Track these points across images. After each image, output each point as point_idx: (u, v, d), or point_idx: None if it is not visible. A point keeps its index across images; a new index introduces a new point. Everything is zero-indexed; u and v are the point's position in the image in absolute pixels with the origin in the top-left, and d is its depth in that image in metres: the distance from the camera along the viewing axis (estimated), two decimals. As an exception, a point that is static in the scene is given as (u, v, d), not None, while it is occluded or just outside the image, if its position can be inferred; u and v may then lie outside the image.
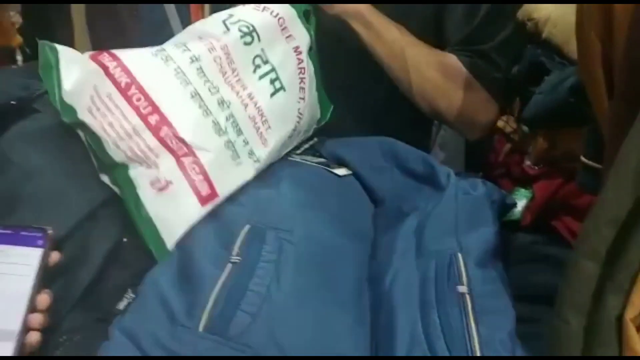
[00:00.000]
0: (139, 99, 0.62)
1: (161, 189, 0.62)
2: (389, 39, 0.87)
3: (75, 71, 0.64)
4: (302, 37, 0.77)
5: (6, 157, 0.62)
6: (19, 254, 0.50)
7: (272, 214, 0.67)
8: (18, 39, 1.18)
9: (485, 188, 0.77)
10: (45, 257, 0.51)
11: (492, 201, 0.76)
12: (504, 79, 0.93)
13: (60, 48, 0.66)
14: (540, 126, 0.89)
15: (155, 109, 0.62)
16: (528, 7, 1.16)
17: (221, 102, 0.66)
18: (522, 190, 0.92)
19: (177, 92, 0.63)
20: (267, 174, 0.75)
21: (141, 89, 0.62)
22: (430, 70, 0.88)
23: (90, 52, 0.65)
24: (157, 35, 2.22)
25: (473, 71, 0.90)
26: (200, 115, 0.64)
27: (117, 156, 0.62)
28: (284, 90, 0.74)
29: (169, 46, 0.66)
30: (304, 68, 0.76)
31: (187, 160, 0.63)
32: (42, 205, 0.59)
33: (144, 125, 0.62)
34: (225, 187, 0.65)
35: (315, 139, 0.95)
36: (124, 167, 0.63)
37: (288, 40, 0.75)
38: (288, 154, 0.89)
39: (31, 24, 1.42)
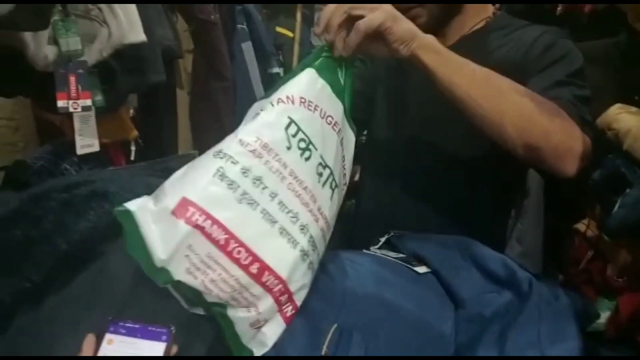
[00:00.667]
0: (239, 252, 0.61)
1: (259, 327, 0.66)
2: (469, 68, 0.80)
3: (164, 235, 0.62)
4: (347, 129, 0.77)
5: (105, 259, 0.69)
6: (147, 346, 0.58)
7: (358, 314, 0.71)
8: (134, 133, 1.34)
9: (567, 298, 0.77)
10: (168, 350, 0.58)
11: (575, 312, 0.75)
12: (589, 122, 0.88)
13: (134, 208, 0.66)
14: (624, 239, 0.89)
15: (255, 258, 0.62)
16: (608, 117, 1.19)
17: (302, 228, 0.67)
18: (606, 301, 0.91)
19: (269, 234, 0.64)
20: (349, 266, 0.78)
21: (240, 242, 0.61)
22: (521, 97, 0.80)
23: (175, 207, 0.62)
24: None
25: (563, 106, 0.83)
26: (290, 248, 0.65)
27: (216, 301, 0.64)
28: (337, 187, 0.73)
29: (246, 184, 0.64)
30: (344, 156, 0.77)
31: (283, 298, 0.65)
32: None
33: (247, 276, 0.62)
34: (302, 296, 0.69)
35: (392, 232, 0.98)
36: (221, 306, 0.65)
37: (338, 133, 0.74)
38: (367, 247, 0.91)
39: (145, 116, 1.61)
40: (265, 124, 0.67)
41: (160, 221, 0.62)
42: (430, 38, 0.79)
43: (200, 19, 1.82)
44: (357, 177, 1.18)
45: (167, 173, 1.03)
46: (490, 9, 1.05)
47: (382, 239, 0.98)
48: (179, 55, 1.66)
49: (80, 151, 1.13)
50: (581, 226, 1.15)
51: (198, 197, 0.62)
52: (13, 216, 0.72)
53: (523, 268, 0.82)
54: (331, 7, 0.74)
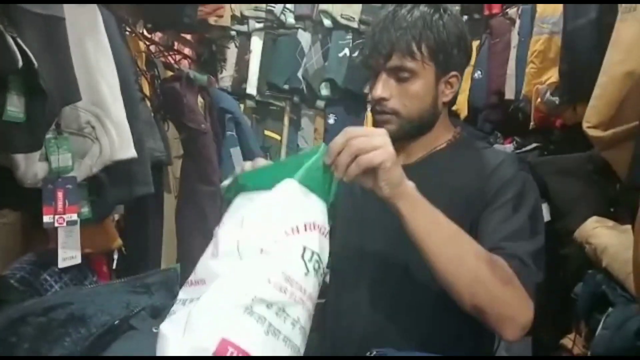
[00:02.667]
0: None
1: None
2: (439, 225, 0.84)
3: None
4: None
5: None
6: None
7: None
8: (118, 242, 1.34)
9: None
10: None
11: None
12: (537, 285, 0.91)
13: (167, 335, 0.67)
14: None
15: None
16: (585, 231, 1.23)
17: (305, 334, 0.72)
18: None
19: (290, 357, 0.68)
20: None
21: None
22: (479, 262, 0.85)
23: (217, 350, 0.64)
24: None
25: (516, 270, 0.87)
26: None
27: None
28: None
29: (272, 316, 0.67)
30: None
31: None
32: None
33: None
34: None
35: (374, 351, 0.95)
36: None
37: (327, 235, 0.78)
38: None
39: (131, 220, 1.61)
40: (286, 259, 0.71)
41: (193, 353, 0.65)
42: (411, 187, 0.83)
43: (190, 128, 1.88)
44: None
45: (147, 289, 1.02)
46: (452, 130, 1.08)
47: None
48: (169, 164, 1.70)
49: (62, 264, 1.12)
50: (567, 342, 1.14)
51: (235, 336, 0.65)
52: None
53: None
54: (340, 142, 0.78)
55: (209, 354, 0.63)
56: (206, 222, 1.92)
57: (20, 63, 0.82)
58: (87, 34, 1.11)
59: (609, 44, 1.25)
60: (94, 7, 1.18)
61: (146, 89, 1.65)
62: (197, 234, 1.89)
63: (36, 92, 0.88)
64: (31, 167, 1.02)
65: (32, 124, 0.90)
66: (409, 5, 1.00)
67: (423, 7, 0.99)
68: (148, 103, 1.64)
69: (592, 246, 1.13)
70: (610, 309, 0.95)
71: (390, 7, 1.03)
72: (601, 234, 1.16)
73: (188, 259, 1.94)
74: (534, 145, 1.91)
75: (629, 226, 1.18)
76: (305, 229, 0.73)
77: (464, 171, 1.01)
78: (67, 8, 1.02)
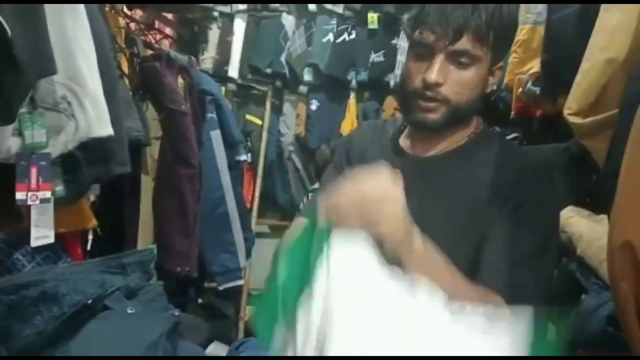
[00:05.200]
0: None
1: None
2: (445, 280, 0.77)
3: None
4: None
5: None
6: None
7: None
8: (93, 223, 1.31)
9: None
10: None
11: None
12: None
13: None
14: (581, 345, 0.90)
15: None
16: (561, 220, 1.24)
17: None
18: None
19: None
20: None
21: None
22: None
23: None
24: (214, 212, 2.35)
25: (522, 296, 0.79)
26: None
27: None
28: None
29: None
30: None
31: None
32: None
33: None
34: None
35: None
36: None
37: None
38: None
39: (107, 201, 1.58)
40: None
41: None
42: (418, 244, 0.78)
43: (170, 108, 1.85)
44: None
45: (122, 269, 1.00)
46: (475, 122, 0.99)
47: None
48: (147, 144, 1.67)
49: (34, 243, 1.09)
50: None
51: None
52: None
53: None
54: (346, 206, 0.74)
55: None
56: (184, 204, 1.90)
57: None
58: (65, 6, 1.08)
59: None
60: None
61: (125, 67, 1.61)
62: (174, 216, 1.87)
63: (9, 63, 0.85)
64: (4, 141, 0.99)
65: (5, 96, 0.87)
66: None
67: None
68: (127, 81, 1.60)
69: (567, 235, 1.15)
70: (583, 296, 0.96)
71: None
72: (576, 222, 1.17)
73: (165, 240, 1.93)
74: (513, 135, 1.93)
75: (604, 216, 1.20)
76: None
77: (490, 168, 0.92)
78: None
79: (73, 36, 1.10)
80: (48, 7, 1.01)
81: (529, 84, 1.69)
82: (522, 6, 1.86)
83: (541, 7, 1.73)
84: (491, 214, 0.86)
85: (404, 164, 0.92)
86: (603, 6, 1.19)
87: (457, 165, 0.93)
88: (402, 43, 3.02)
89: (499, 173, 0.91)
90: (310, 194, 2.93)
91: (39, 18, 0.93)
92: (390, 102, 3.10)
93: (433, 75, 0.87)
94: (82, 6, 1.15)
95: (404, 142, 1.02)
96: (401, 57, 3.00)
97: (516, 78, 1.81)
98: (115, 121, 1.20)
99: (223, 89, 3.06)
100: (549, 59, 1.57)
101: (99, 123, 1.13)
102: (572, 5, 1.49)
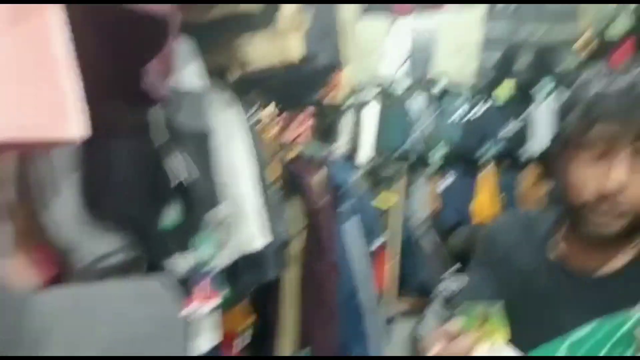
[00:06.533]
0: None
1: None
2: None
3: None
4: None
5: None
6: None
7: None
8: (248, 321, 1.43)
9: None
10: None
11: None
12: None
13: None
14: None
15: None
16: None
17: None
18: None
19: None
20: None
21: None
22: None
23: None
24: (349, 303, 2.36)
25: None
26: None
27: None
28: None
29: None
30: None
31: None
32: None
33: None
34: None
35: None
36: None
37: None
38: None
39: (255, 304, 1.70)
40: None
41: None
42: None
43: (309, 205, 1.98)
44: None
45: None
46: None
47: None
48: (290, 242, 1.80)
49: (204, 347, 1.23)
50: None
51: None
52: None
53: None
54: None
55: None
56: (324, 299, 1.97)
57: (185, 175, 0.95)
58: (231, 138, 1.26)
59: None
60: (236, 110, 1.34)
61: (274, 174, 1.78)
62: (316, 311, 1.94)
63: (189, 201, 1.01)
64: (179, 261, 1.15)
65: (183, 229, 1.02)
66: (635, 70, 0.75)
67: None
68: (275, 186, 1.77)
69: None
70: None
71: (597, 70, 0.79)
72: None
73: (307, 333, 1.99)
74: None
75: None
76: None
77: None
78: (215, 114, 1.17)
79: (237, 162, 1.26)
80: (217, 139, 1.18)
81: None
82: None
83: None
84: None
85: (566, 283, 0.82)
86: None
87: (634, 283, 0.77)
88: (535, 113, 2.95)
89: None
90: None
91: (212, 161, 1.10)
92: (529, 173, 3.01)
93: (620, 176, 0.72)
94: (243, 131, 1.32)
95: (561, 248, 0.87)
96: (537, 128, 2.92)
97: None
98: (268, 229, 1.33)
99: (357, 173, 3.19)
100: None
101: (256, 235, 1.27)
102: None
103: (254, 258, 1.31)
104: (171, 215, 1.02)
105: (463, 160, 3.17)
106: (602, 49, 2.40)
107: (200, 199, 1.01)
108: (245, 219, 1.26)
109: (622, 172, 0.73)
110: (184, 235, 1.03)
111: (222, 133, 1.20)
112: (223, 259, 1.24)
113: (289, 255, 1.92)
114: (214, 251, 1.22)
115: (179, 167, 0.95)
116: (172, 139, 0.97)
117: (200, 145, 1.05)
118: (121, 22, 0.68)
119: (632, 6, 2.13)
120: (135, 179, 0.92)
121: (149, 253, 0.95)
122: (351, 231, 2.22)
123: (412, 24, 3.31)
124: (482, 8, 3.21)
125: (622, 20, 2.17)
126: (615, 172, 0.73)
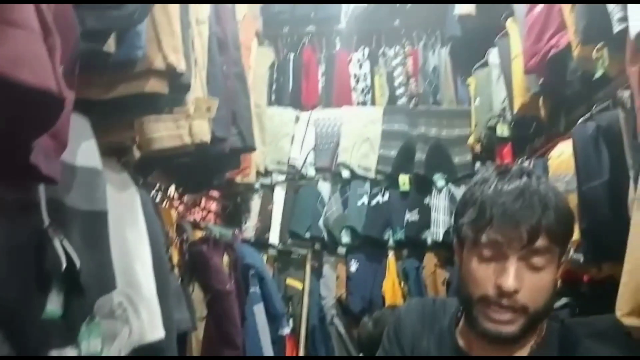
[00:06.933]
0: None
1: None
2: None
3: None
4: None
5: None
6: None
7: None
8: None
9: None
10: None
11: None
12: None
13: None
14: None
15: None
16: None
17: None
18: None
19: None
20: None
21: None
22: None
23: None
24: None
25: None
26: None
27: None
28: None
29: None
30: None
31: None
32: None
33: None
34: None
35: None
36: None
37: None
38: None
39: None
40: None
41: None
42: None
43: (215, 289, 1.90)
44: None
45: None
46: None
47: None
48: (193, 330, 1.69)
49: None
50: None
51: None
52: None
53: None
54: None
55: None
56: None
57: (64, 265, 0.87)
58: (127, 220, 1.19)
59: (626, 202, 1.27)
60: (133, 191, 1.27)
61: (175, 257, 1.70)
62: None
63: (74, 289, 0.92)
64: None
65: (68, 319, 0.92)
66: (526, 176, 0.82)
67: (535, 179, 0.82)
68: (176, 270, 1.68)
69: None
70: None
71: (491, 171, 0.86)
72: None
73: None
74: (564, 301, 1.87)
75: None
76: None
77: None
78: (110, 195, 1.10)
79: (132, 246, 1.19)
80: (112, 221, 1.11)
81: (572, 252, 1.68)
82: (551, 175, 1.93)
83: (570, 176, 1.79)
84: None
85: None
86: (635, 204, 1.21)
87: None
88: (435, 201, 3.12)
89: None
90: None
91: (104, 241, 1.02)
92: (430, 259, 3.12)
93: (510, 282, 0.77)
94: (141, 215, 1.25)
95: (463, 341, 0.92)
96: (437, 215, 3.08)
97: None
98: (166, 320, 1.24)
99: (265, 256, 3.14)
100: (587, 228, 1.58)
101: (151, 326, 1.17)
102: (600, 176, 1.54)
103: (146, 351, 1.20)
104: (54, 303, 0.92)
105: (370, 245, 3.23)
106: (492, 146, 2.65)
107: (87, 285, 0.93)
108: (138, 310, 1.17)
109: (512, 277, 0.78)
110: (68, 326, 0.93)
111: (117, 214, 1.13)
112: (112, 353, 1.12)
113: (190, 340, 1.80)
114: (103, 344, 1.11)
115: (63, 251, 0.87)
116: (58, 220, 0.90)
117: (91, 226, 0.98)
118: (9, 95, 0.63)
119: (508, 117, 2.38)
120: (13, 263, 0.83)
121: (28, 346, 0.84)
122: (259, 314, 2.15)
123: (319, 115, 3.46)
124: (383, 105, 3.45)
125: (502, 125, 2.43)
126: (507, 276, 0.78)
